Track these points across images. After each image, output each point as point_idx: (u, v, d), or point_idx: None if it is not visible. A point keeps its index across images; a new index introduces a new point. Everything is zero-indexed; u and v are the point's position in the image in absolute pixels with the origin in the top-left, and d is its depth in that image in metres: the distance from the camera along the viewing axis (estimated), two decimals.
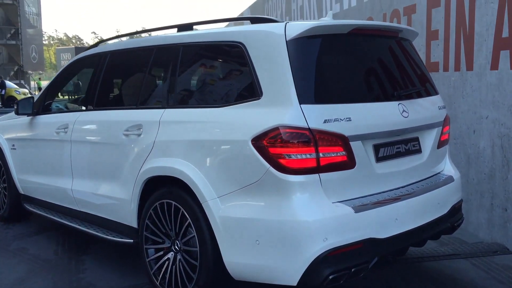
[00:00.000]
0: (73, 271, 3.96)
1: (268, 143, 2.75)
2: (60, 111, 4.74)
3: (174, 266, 3.29)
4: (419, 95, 3.45)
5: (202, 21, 3.64)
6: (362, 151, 2.92)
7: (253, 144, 2.79)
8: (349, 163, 2.86)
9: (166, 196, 3.29)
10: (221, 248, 2.96)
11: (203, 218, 3.04)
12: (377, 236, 2.88)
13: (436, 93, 3.66)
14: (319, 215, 2.72)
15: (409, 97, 3.29)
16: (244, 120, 2.93)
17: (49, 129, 4.50)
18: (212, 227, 2.98)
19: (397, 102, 3.16)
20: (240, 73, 3.12)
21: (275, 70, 2.88)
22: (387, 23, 3.43)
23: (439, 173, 3.61)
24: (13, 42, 41.20)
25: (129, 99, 4.01)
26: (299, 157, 2.72)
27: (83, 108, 4.38)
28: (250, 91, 2.97)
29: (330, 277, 2.71)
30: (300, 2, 9.88)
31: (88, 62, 4.48)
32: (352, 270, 2.79)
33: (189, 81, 3.49)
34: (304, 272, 2.70)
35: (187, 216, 3.14)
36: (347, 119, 2.84)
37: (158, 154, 3.36)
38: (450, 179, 3.53)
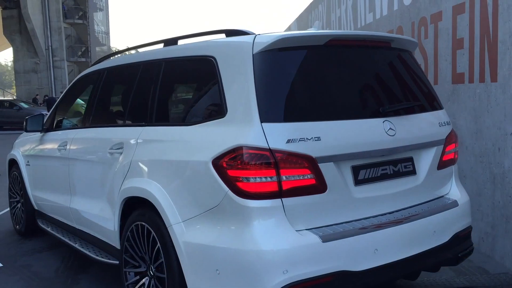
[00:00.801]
0: None
1: (227, 164, 2.55)
2: (66, 128, 4.76)
3: None
4: (414, 111, 3.11)
5: (185, 35, 3.49)
6: (335, 174, 2.64)
7: (213, 165, 2.60)
8: (318, 186, 2.59)
9: (140, 218, 3.16)
10: (185, 276, 2.77)
11: (170, 243, 2.87)
12: (351, 268, 2.58)
13: (438, 108, 3.30)
14: (278, 244, 2.47)
15: (398, 113, 2.97)
16: (208, 139, 2.75)
17: (53, 146, 4.53)
18: (177, 253, 2.81)
19: (382, 119, 2.85)
20: (210, 89, 2.95)
21: (240, 86, 2.68)
22: (371, 33, 3.12)
23: (442, 196, 3.24)
24: (83, 59, 43.29)
25: (117, 117, 3.94)
26: (258, 180, 2.49)
27: (81, 125, 4.37)
28: (217, 108, 2.78)
29: None
30: (338, 13, 9.59)
31: (90, 79, 4.48)
32: None
33: (164, 99, 3.35)
34: None
35: (157, 240, 2.99)
36: (316, 139, 2.58)
37: (133, 174, 3.24)
38: (453, 204, 3.16)
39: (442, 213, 3.04)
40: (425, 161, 3.09)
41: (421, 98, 3.23)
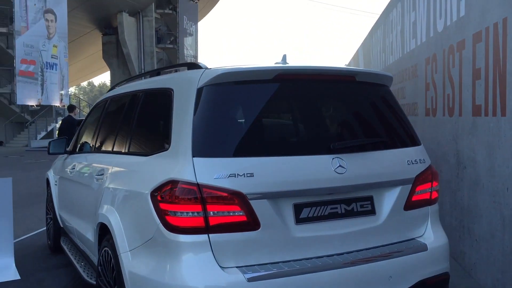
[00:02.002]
0: None
1: (160, 197, 2.60)
2: (79, 152, 5.05)
3: None
4: (375, 148, 2.97)
5: (154, 70, 3.61)
6: (270, 211, 2.58)
7: (151, 197, 2.66)
8: (250, 223, 2.55)
9: (106, 243, 3.28)
10: None
11: (121, 271, 2.95)
12: None
13: (410, 145, 3.11)
14: (198, 280, 2.46)
15: (354, 150, 2.84)
16: (152, 171, 2.82)
17: (67, 169, 4.84)
18: (124, 282, 2.88)
19: (331, 156, 2.75)
20: (165, 120, 3.01)
21: (182, 119, 2.73)
22: (329, 67, 2.97)
23: (412, 239, 3.04)
24: None
25: (106, 144, 4.14)
26: (185, 215, 2.51)
27: (87, 150, 4.63)
28: (165, 140, 2.85)
29: None
30: (390, 39, 9.35)
31: (99, 106, 4.76)
32: None
33: (131, 129, 3.47)
34: None
35: (115, 267, 3.08)
36: (248, 175, 2.55)
37: (104, 200, 3.38)
38: (420, 248, 2.95)
39: (403, 257, 2.86)
40: (388, 200, 2.93)
41: (387, 135, 3.07)
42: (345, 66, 2.96)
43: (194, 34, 47.83)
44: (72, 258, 4.61)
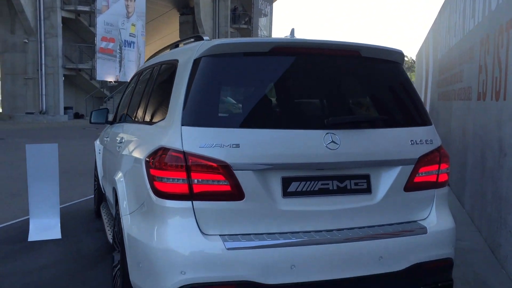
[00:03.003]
0: None
1: (152, 164, 2.69)
2: (115, 122, 5.28)
3: (115, 279, 3.41)
4: (377, 125, 2.87)
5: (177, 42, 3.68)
6: (256, 183, 2.60)
7: (145, 163, 2.76)
8: (234, 193, 2.58)
9: (117, 207, 3.44)
10: (128, 267, 2.97)
11: (123, 233, 3.10)
12: (260, 280, 2.53)
13: (417, 124, 2.98)
14: (179, 244, 2.53)
15: (350, 126, 2.77)
16: (150, 139, 2.92)
17: (105, 138, 5.09)
18: (124, 242, 3.02)
19: (324, 131, 2.69)
20: (169, 91, 3.08)
21: (178, 89, 2.79)
22: (325, 41, 2.83)
23: (414, 221, 2.94)
24: None
25: (131, 115, 4.29)
26: (171, 181, 2.58)
27: (119, 120, 4.83)
28: (165, 109, 2.93)
29: None
30: (454, 19, 8.88)
31: (133, 78, 4.94)
32: None
33: (147, 99, 3.57)
34: None
35: (119, 229, 3.24)
36: (234, 145, 2.57)
37: (118, 166, 3.55)
38: (419, 231, 2.85)
39: (397, 238, 2.77)
40: (386, 180, 2.84)
41: (390, 113, 2.96)
42: (351, 41, 2.84)
43: (269, 15, 47.81)
44: (105, 221, 4.87)
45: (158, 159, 2.62)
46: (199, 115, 2.64)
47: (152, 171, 2.65)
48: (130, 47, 31.67)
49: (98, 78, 30.87)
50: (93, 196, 6.75)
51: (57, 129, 23.88)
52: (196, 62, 2.75)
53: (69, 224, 5.79)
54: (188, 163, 2.55)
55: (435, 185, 2.99)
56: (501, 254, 4.60)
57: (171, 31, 46.10)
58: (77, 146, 15.32)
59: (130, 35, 31.72)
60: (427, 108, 14.82)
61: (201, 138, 2.57)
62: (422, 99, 17.51)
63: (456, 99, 8.32)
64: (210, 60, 2.74)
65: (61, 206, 6.56)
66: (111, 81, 31.51)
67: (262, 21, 46.47)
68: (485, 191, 5.51)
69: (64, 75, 31.12)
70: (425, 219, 2.97)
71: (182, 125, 2.61)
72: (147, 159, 2.72)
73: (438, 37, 12.19)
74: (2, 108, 32.35)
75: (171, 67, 3.16)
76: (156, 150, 2.67)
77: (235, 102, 2.76)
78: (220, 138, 2.57)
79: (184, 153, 2.56)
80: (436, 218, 2.96)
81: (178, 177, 2.56)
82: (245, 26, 44.72)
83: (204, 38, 2.97)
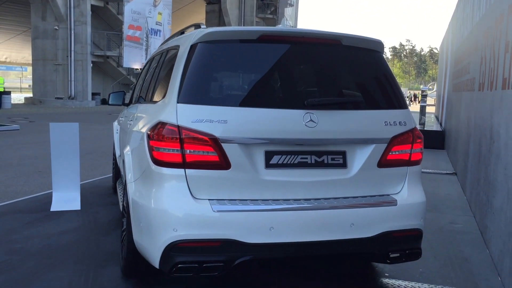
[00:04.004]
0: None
1: (152, 136, 3.07)
2: (131, 103, 5.69)
3: (122, 241, 3.83)
4: (353, 107, 3.20)
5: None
6: (241, 154, 2.95)
7: (146, 136, 3.15)
8: (222, 163, 2.95)
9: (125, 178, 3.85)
10: (132, 227, 3.38)
11: (128, 198, 3.50)
12: (242, 239, 2.89)
13: (392, 107, 3.28)
14: (172, 206, 2.91)
15: (328, 108, 3.10)
16: (152, 115, 3.30)
17: (121, 118, 5.52)
18: (130, 208, 3.43)
19: (304, 111, 3.03)
20: (170, 73, 3.46)
21: (177, 71, 3.16)
22: (308, 30, 3.15)
23: (387, 195, 3.26)
24: None
25: (142, 96, 4.69)
26: (167, 151, 2.96)
27: (133, 102, 5.24)
28: (165, 90, 3.30)
29: (179, 266, 2.89)
30: (467, 10, 9.01)
31: (146, 63, 5.34)
32: (204, 265, 2.89)
33: (155, 81, 3.96)
34: (161, 256, 2.94)
35: (125, 196, 3.65)
36: (222, 121, 2.93)
37: (127, 141, 3.96)
38: (390, 203, 3.17)
39: (368, 208, 3.10)
40: (360, 156, 3.16)
41: (366, 97, 3.27)
42: (332, 31, 3.17)
43: (295, 5, 47.81)
44: (119, 194, 5.30)
45: (157, 132, 3.00)
46: (192, 94, 3.01)
47: (152, 143, 3.03)
48: (156, 35, 32.26)
49: (124, 65, 31.58)
50: (112, 174, 7.23)
51: (84, 113, 24.67)
52: (192, 47, 3.12)
53: (88, 198, 6.27)
54: (181, 135, 2.92)
55: (408, 163, 3.30)
56: (487, 235, 4.87)
57: (197, 20, 46.46)
58: (101, 130, 15.94)
59: (156, 24, 32.30)
60: (445, 99, 14.90)
61: (194, 114, 2.94)
62: (441, 91, 17.55)
63: (464, 90, 8.51)
64: (204, 46, 3.10)
65: (82, 182, 7.08)
66: (137, 69, 32.19)
67: (288, 11, 46.54)
68: (479, 178, 5.77)
69: (93, 62, 31.95)
70: (397, 193, 3.28)
71: (178, 102, 2.99)
72: (148, 132, 3.11)
73: (455, 29, 12.28)
74: (33, 93, 33.41)
75: (174, 52, 3.53)
76: (156, 124, 3.05)
77: (224, 83, 3.12)
78: (210, 115, 2.94)
79: (178, 127, 2.93)
80: (407, 192, 3.27)
81: (173, 147, 2.94)
82: (270, 16, 44.89)
83: (202, 26, 3.34)
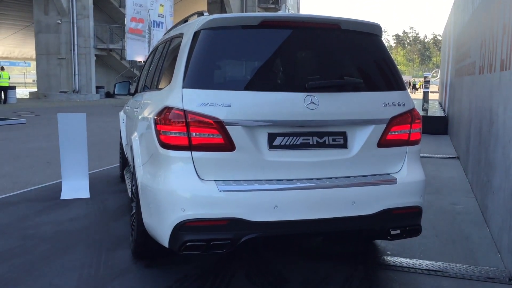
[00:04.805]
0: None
1: (159, 121, 3.19)
2: (136, 92, 5.80)
3: (132, 225, 3.96)
4: (353, 89, 3.30)
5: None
6: (245, 136, 3.06)
7: (153, 120, 3.26)
8: (227, 145, 3.06)
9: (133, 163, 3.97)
10: (141, 209, 3.50)
11: (137, 182, 3.63)
12: (247, 218, 3.01)
13: (391, 89, 3.38)
14: (180, 187, 3.03)
15: (328, 90, 3.20)
16: (159, 101, 3.41)
17: (127, 107, 5.64)
18: (138, 190, 3.55)
19: (305, 94, 3.14)
20: (175, 61, 3.56)
21: (181, 57, 3.26)
22: (308, 15, 3.25)
23: (387, 174, 3.36)
24: None
25: (147, 84, 4.80)
26: (173, 134, 3.08)
27: (139, 91, 5.36)
28: (171, 76, 3.41)
29: (187, 244, 3.02)
30: None
31: (150, 53, 5.45)
32: (211, 243, 3.02)
33: (160, 69, 4.06)
34: (170, 236, 3.07)
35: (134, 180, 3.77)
36: (226, 105, 3.04)
37: (135, 128, 4.08)
38: (390, 181, 3.28)
39: (369, 186, 3.20)
40: (360, 137, 3.27)
41: (366, 79, 3.37)
42: (331, 16, 3.27)
43: None
44: (127, 181, 5.43)
45: (163, 116, 3.12)
46: (197, 79, 3.12)
47: (159, 127, 3.15)
48: (158, 27, 32.30)
49: (128, 58, 31.65)
50: (119, 164, 7.37)
51: (89, 107, 24.82)
52: (196, 34, 3.23)
53: (97, 187, 6.41)
54: (187, 119, 3.04)
55: (407, 142, 3.40)
56: (487, 215, 4.98)
57: None
58: (107, 122, 16.09)
59: (158, 16, 32.32)
60: (448, 85, 14.94)
61: (199, 99, 3.06)
62: (444, 77, 17.57)
63: (466, 75, 8.57)
64: (208, 32, 3.21)
65: (91, 172, 7.22)
66: (140, 61, 32.27)
67: (290, 0, 46.40)
68: (480, 159, 5.86)
69: (96, 55, 32.03)
70: (397, 172, 3.39)
71: (183, 87, 3.10)
72: (155, 117, 3.22)
73: (457, 15, 12.31)
74: (37, 87, 33.58)
75: (178, 40, 3.64)
76: (162, 109, 3.17)
77: (228, 68, 3.23)
78: (215, 99, 3.05)
79: (184, 111, 3.05)
80: (406, 171, 3.38)
81: (179, 131, 3.05)
82: (272, 6, 44.82)
83: (204, 14, 3.44)
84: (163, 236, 3.12)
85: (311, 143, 3.20)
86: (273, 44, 3.30)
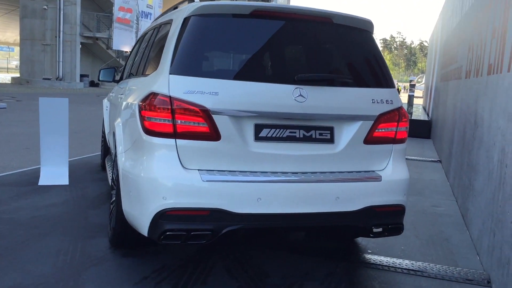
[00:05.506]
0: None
1: (143, 106, 3.11)
2: (121, 80, 5.70)
3: (111, 213, 3.88)
4: (342, 84, 3.26)
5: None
6: (231, 126, 3.01)
7: (138, 106, 3.19)
8: (212, 135, 3.00)
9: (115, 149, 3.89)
10: (121, 197, 3.42)
11: (118, 169, 3.55)
12: (230, 209, 2.95)
13: (380, 86, 3.36)
14: (162, 175, 2.96)
15: (317, 84, 3.15)
16: (144, 87, 3.34)
17: (111, 94, 5.54)
18: (119, 176, 3.48)
19: (294, 86, 3.09)
20: (163, 46, 3.49)
21: (170, 43, 3.19)
22: (301, 7, 3.23)
23: (372, 171, 3.34)
24: None
25: (133, 71, 4.71)
26: (158, 121, 3.01)
27: (124, 78, 5.27)
28: (158, 62, 3.34)
29: (167, 233, 2.95)
30: None
31: (137, 40, 5.36)
32: (192, 233, 2.96)
33: (147, 55, 3.99)
34: (150, 224, 3.00)
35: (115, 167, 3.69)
36: (213, 93, 2.98)
37: (118, 114, 3.99)
38: (374, 178, 3.26)
39: (354, 183, 3.18)
40: (347, 132, 3.24)
41: (355, 74, 3.34)
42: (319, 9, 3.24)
43: None
44: (108, 169, 5.34)
45: (148, 102, 3.05)
46: (185, 65, 3.06)
47: (143, 113, 3.08)
48: (147, 18, 31.96)
49: (114, 47, 31.30)
50: (100, 152, 7.25)
51: (72, 95, 24.50)
52: (185, 20, 3.16)
53: (77, 174, 6.30)
54: (173, 106, 2.97)
55: (393, 140, 3.38)
56: (468, 217, 5.01)
57: None
58: (90, 111, 15.88)
59: (147, 6, 31.99)
60: (433, 90, 15.06)
61: (186, 86, 2.99)
62: (429, 82, 17.72)
63: (452, 79, 8.63)
64: (197, 19, 3.15)
65: (72, 159, 7.10)
66: (127, 51, 31.93)
67: None
68: (462, 163, 5.90)
69: (81, 43, 31.63)
70: (382, 170, 3.37)
71: (170, 74, 3.03)
72: (140, 103, 3.15)
73: (445, 20, 12.40)
74: (20, 73, 33.03)
75: (167, 27, 3.57)
76: (148, 95, 3.09)
77: (216, 56, 3.17)
78: (202, 86, 2.99)
79: (170, 97, 2.98)
80: (391, 169, 3.36)
81: (164, 117, 2.99)
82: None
83: (195, 0, 3.37)
84: (143, 224, 3.06)
85: (297, 136, 3.16)
86: (264, 35, 3.24)
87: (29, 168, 6.58)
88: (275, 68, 3.28)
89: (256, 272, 3.47)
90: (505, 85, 3.74)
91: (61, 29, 30.22)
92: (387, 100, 3.34)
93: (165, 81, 3.02)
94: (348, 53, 3.41)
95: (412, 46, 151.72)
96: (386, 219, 3.32)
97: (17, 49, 50.80)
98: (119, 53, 33.64)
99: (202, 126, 2.98)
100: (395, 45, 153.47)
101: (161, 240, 2.98)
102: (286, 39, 3.32)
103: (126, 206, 3.28)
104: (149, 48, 4.03)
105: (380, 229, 3.31)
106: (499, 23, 4.30)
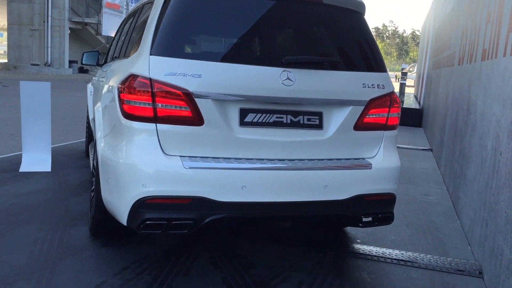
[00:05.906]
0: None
1: (122, 89, 2.95)
2: (105, 63, 5.53)
3: (91, 201, 3.73)
4: (332, 67, 3.12)
5: None
6: (215, 111, 2.86)
7: (117, 89, 3.03)
8: (195, 119, 2.85)
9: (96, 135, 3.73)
10: (100, 184, 3.27)
11: (97, 155, 3.39)
12: (213, 197, 2.82)
13: (372, 70, 3.21)
14: (142, 161, 2.81)
15: (306, 66, 3.01)
16: (124, 69, 3.17)
17: (94, 78, 5.36)
18: (98, 164, 3.32)
19: (281, 69, 2.94)
20: (144, 27, 3.33)
21: (151, 23, 3.03)
22: None
23: (362, 158, 3.21)
24: None
25: (116, 54, 4.54)
26: (138, 104, 2.85)
27: (107, 61, 5.09)
28: (139, 43, 3.17)
29: (147, 222, 2.81)
30: None
31: (121, 23, 5.17)
32: (173, 223, 2.82)
33: (129, 37, 3.83)
34: (128, 213, 2.85)
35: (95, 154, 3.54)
36: (196, 75, 2.83)
37: (98, 98, 3.83)
38: (364, 166, 3.13)
39: (343, 171, 3.05)
40: (336, 118, 3.10)
41: (346, 57, 3.20)
42: None
43: None
44: (90, 156, 5.18)
45: (128, 84, 2.88)
46: (166, 46, 2.89)
47: (122, 96, 2.92)
48: (137, 3, 31.56)
49: (103, 33, 30.88)
50: (85, 138, 7.07)
51: (61, 81, 24.15)
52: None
53: (60, 161, 6.12)
54: (153, 89, 2.81)
55: (384, 127, 3.25)
56: (459, 206, 4.91)
57: None
58: (78, 97, 15.62)
59: None
60: (424, 78, 14.96)
61: (167, 67, 2.83)
62: (421, 71, 17.62)
63: (444, 66, 8.51)
64: None
65: (55, 145, 6.93)
66: None
67: None
68: (454, 151, 5.80)
69: (70, 29, 31.15)
70: (372, 157, 3.24)
71: (150, 54, 2.87)
72: (119, 85, 2.99)
73: (438, 7, 12.26)
74: (7, 58, 32.52)
75: (149, 6, 3.40)
76: (127, 77, 2.93)
77: (200, 37, 3.01)
78: (184, 68, 2.83)
79: (150, 79, 2.82)
80: (382, 157, 3.23)
81: (144, 101, 2.83)
82: None
83: None
84: (122, 213, 2.91)
85: (284, 121, 3.01)
86: (251, 15, 3.08)
87: (11, 154, 6.40)
88: (262, 50, 3.13)
89: (241, 263, 3.35)
90: (500, 71, 3.62)
91: (49, 13, 29.71)
92: (378, 85, 3.21)
93: (145, 63, 2.86)
94: (338, 35, 3.26)
95: (404, 35, 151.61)
96: (376, 208, 3.20)
97: (4, 34, 50.04)
98: (109, 38, 33.18)
99: (184, 110, 2.83)
100: (387, 34, 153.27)
101: (141, 230, 2.84)
102: (273, 19, 3.16)
103: (105, 194, 3.13)
104: (132, 30, 3.86)
105: (369, 219, 3.19)
106: (494, 7, 4.16)
